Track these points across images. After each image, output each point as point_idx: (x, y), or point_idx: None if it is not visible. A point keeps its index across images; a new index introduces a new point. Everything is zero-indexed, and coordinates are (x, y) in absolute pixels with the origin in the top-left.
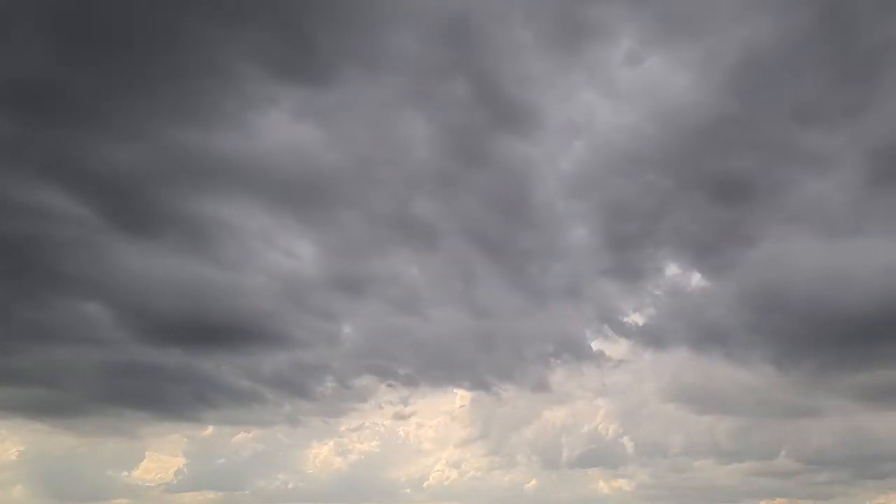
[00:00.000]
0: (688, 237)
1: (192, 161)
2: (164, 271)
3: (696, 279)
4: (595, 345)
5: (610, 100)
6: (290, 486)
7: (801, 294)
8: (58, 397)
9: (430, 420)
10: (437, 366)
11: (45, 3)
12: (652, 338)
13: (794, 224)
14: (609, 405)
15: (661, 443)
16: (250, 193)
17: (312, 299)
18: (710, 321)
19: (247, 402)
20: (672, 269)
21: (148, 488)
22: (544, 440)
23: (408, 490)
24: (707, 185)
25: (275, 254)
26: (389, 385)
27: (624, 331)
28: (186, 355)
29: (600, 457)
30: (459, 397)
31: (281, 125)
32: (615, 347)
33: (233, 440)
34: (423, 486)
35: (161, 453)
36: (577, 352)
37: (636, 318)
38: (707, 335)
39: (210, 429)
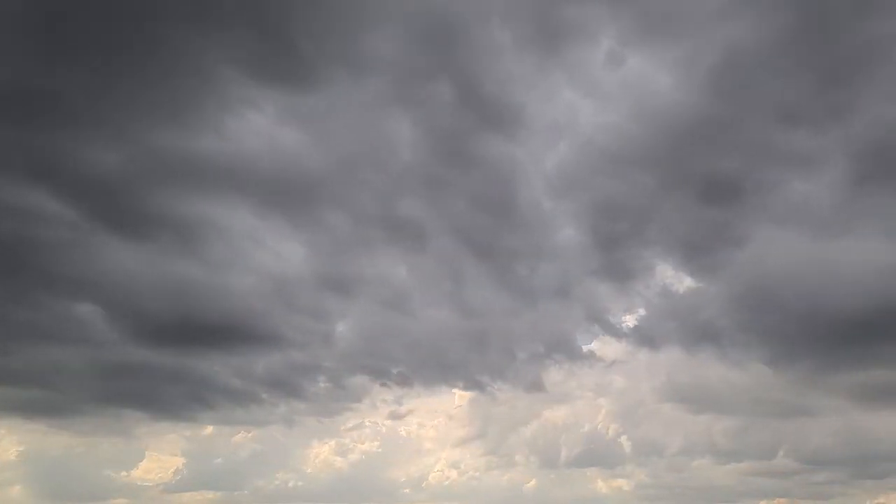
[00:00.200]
0: (676, 237)
1: (180, 164)
2: (155, 272)
3: (685, 279)
4: (587, 345)
5: (593, 100)
6: (289, 484)
7: (792, 294)
8: (53, 397)
9: (425, 420)
10: (429, 365)
11: (31, 9)
12: (644, 338)
13: (781, 224)
14: (603, 405)
15: (657, 442)
16: (240, 195)
17: (304, 300)
18: (700, 321)
19: (243, 402)
20: (661, 270)
21: (146, 488)
22: (540, 440)
23: (406, 490)
24: (693, 185)
25: (265, 255)
26: (383, 385)
27: (615, 331)
28: (181, 356)
29: (598, 456)
30: (458, 397)
31: (267, 128)
32: (608, 348)
33: (230, 440)
34: (423, 485)
35: (159, 453)
36: (569, 352)
37: (627, 319)
38: (699, 335)
39: (207, 429)
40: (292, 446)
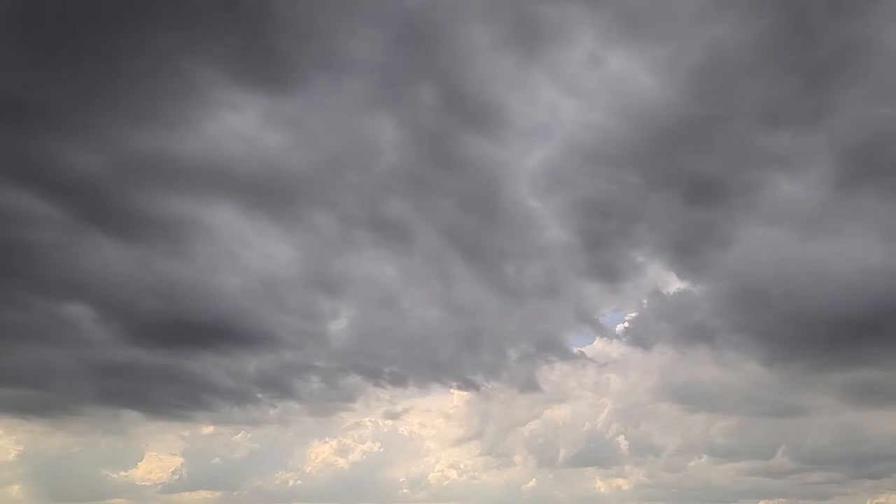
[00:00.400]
0: (664, 237)
1: (166, 166)
2: (145, 273)
3: (675, 279)
4: (578, 346)
5: (575, 100)
6: (288, 484)
7: (780, 294)
8: (49, 398)
9: (421, 419)
10: (421, 365)
11: (15, 17)
12: (635, 338)
13: (768, 225)
14: (600, 405)
15: (653, 442)
16: (226, 197)
17: (294, 300)
18: (690, 321)
19: (238, 402)
20: (651, 270)
21: (144, 488)
22: (536, 440)
23: (405, 490)
24: (678, 185)
25: (253, 256)
26: (377, 384)
27: (606, 331)
28: (174, 356)
29: (594, 457)
30: (456, 397)
31: (250, 130)
32: (599, 348)
33: (226, 440)
34: (421, 484)
35: (158, 452)
36: (560, 352)
37: (618, 319)
38: (689, 335)
39: (204, 429)
40: (289, 446)
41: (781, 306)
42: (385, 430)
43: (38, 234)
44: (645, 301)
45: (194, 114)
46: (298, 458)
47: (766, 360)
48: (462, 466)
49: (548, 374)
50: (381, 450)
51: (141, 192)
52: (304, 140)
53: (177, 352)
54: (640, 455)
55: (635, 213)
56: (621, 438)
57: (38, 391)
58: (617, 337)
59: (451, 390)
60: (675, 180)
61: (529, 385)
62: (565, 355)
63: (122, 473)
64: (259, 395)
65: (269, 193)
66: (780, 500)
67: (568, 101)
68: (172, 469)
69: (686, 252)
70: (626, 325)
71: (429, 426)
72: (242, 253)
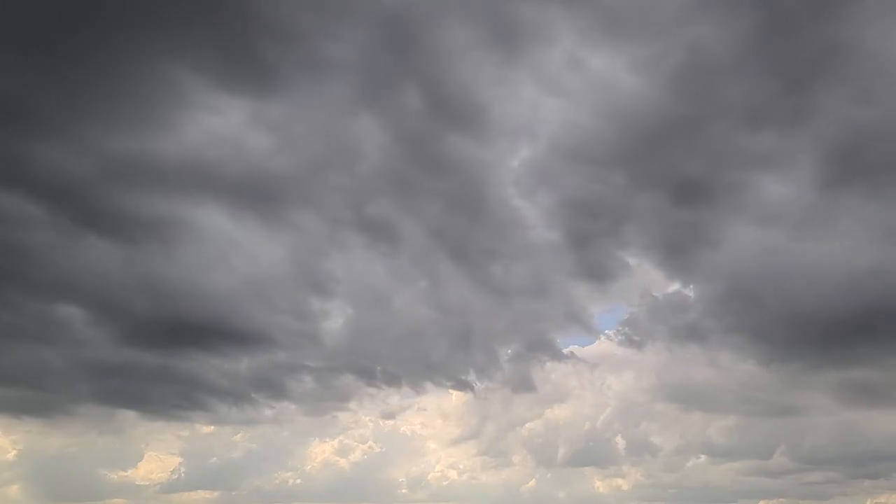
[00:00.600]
0: (651, 238)
1: (152, 168)
2: (136, 274)
3: (663, 279)
4: (569, 345)
5: (558, 99)
6: (288, 483)
7: (770, 294)
8: (45, 398)
9: (415, 418)
10: (413, 364)
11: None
12: (625, 338)
13: (754, 225)
14: (595, 404)
15: (651, 441)
16: (214, 198)
17: (285, 300)
18: (679, 321)
19: (234, 402)
20: (640, 270)
21: (143, 487)
22: (534, 439)
23: (404, 490)
24: (664, 185)
25: (242, 256)
26: (371, 384)
27: (596, 331)
28: (169, 356)
29: (591, 456)
30: (455, 396)
31: (234, 132)
32: (591, 348)
33: (225, 440)
34: (421, 484)
35: (157, 452)
36: (551, 352)
37: (607, 319)
38: (677, 334)
39: (202, 428)
40: (286, 446)
41: (773, 306)
42: (385, 429)
43: (30, 236)
44: (637, 301)
45: (180, 117)
46: (296, 457)
47: (763, 360)
48: (461, 466)
49: (541, 373)
50: (380, 449)
51: (130, 194)
52: (289, 142)
53: (171, 352)
54: (638, 455)
55: (622, 213)
56: (619, 438)
57: (35, 391)
58: (608, 337)
59: (448, 390)
60: (661, 180)
61: (523, 385)
62: (556, 355)
63: (121, 473)
64: (254, 395)
65: (256, 195)
66: (780, 500)
67: (550, 100)
68: (171, 469)
69: (675, 252)
70: (619, 325)
71: (428, 426)
72: (232, 253)
